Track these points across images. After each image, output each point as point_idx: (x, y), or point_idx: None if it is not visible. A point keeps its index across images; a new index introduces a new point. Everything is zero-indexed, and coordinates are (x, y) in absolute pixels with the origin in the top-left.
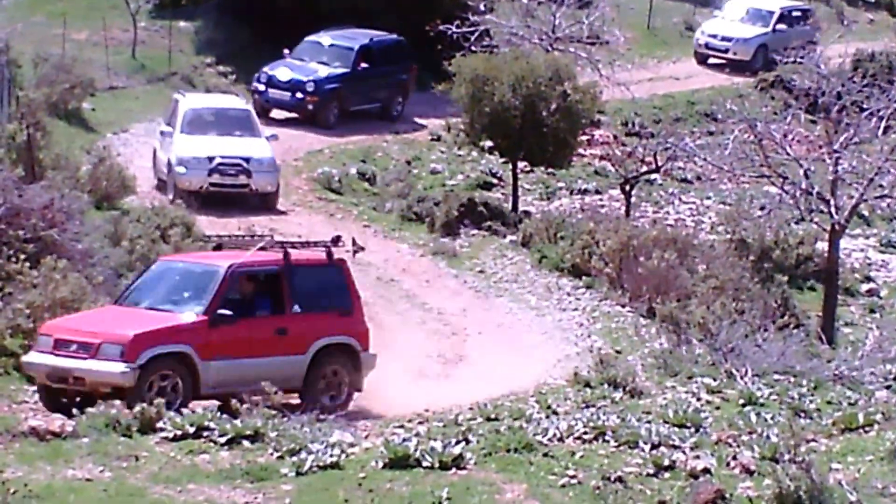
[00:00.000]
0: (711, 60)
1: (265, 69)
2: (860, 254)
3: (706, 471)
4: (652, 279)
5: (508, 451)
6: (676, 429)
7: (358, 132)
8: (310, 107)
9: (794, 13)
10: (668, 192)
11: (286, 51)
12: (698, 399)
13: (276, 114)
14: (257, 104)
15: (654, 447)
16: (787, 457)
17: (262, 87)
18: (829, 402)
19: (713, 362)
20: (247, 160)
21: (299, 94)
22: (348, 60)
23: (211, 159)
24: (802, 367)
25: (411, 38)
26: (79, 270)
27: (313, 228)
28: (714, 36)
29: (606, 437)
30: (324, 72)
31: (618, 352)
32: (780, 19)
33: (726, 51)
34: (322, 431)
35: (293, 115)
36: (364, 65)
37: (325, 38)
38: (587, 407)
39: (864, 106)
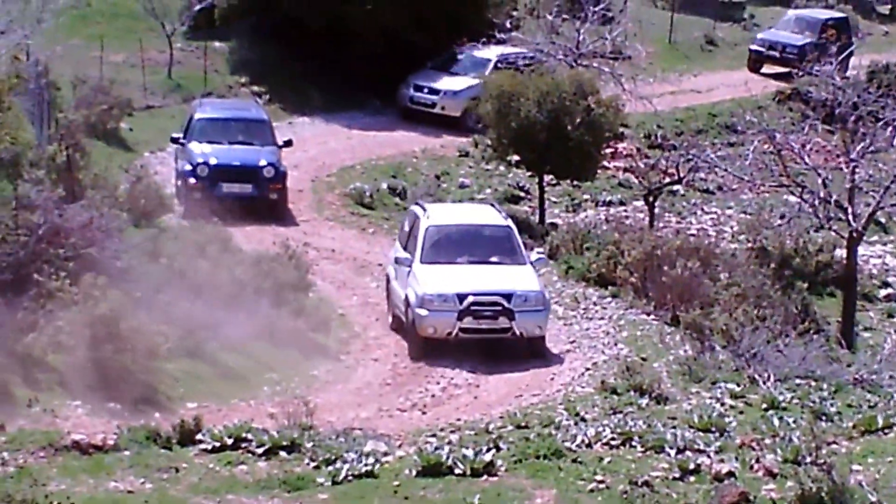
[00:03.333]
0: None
1: (198, 156)
2: (878, 260)
3: (730, 474)
4: (676, 288)
5: (538, 457)
6: (701, 433)
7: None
8: (273, 196)
9: (520, 61)
10: (690, 202)
11: (176, 135)
12: (722, 404)
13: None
14: (194, 205)
15: (679, 452)
16: (808, 459)
17: (202, 182)
18: (849, 405)
19: (736, 368)
20: (507, 297)
21: (259, 183)
22: (266, 134)
23: (462, 298)
24: (823, 371)
25: (439, 55)
26: (118, 287)
27: (346, 243)
28: (420, 88)
29: (633, 443)
30: (265, 151)
31: (643, 359)
32: (497, 68)
33: (433, 105)
34: (357, 441)
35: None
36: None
37: (220, 103)
38: (614, 413)
39: (880, 116)
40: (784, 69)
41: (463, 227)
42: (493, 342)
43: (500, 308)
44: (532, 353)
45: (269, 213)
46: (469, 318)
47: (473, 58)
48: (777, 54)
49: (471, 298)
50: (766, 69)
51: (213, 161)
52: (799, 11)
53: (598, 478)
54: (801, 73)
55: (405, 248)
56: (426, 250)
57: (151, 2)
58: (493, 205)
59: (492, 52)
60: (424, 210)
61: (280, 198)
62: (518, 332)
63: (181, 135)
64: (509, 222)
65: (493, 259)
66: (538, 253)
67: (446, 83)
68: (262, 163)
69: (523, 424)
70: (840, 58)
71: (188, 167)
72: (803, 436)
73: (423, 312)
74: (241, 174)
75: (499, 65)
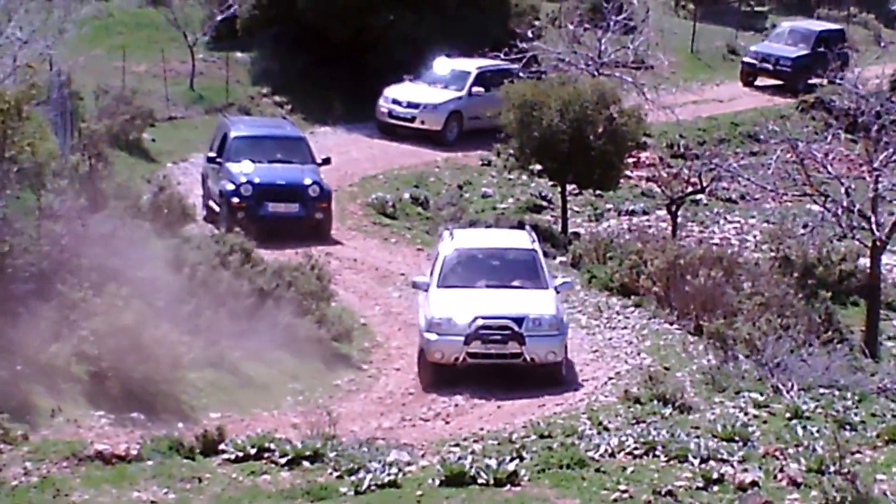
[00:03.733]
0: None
1: (240, 175)
2: None
3: (754, 483)
4: (699, 297)
5: (561, 467)
6: (725, 443)
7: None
8: (318, 215)
9: (494, 74)
10: (713, 211)
11: (212, 154)
12: (746, 413)
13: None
14: (237, 225)
15: (703, 461)
16: (832, 469)
17: (246, 202)
18: (873, 415)
19: (760, 377)
20: (519, 321)
21: (305, 203)
22: (305, 152)
23: (470, 321)
24: (847, 380)
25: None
26: (141, 297)
27: (368, 252)
28: (398, 102)
29: (656, 452)
30: (307, 169)
31: (666, 368)
32: (478, 81)
33: (412, 119)
34: (379, 451)
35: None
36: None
37: (252, 120)
38: (637, 423)
39: None
40: (777, 82)
41: (484, 250)
42: (505, 368)
43: (509, 332)
44: (546, 379)
45: (314, 233)
46: (477, 343)
47: (454, 70)
48: (770, 67)
49: (479, 322)
50: (759, 82)
51: (256, 180)
52: (793, 23)
53: (622, 487)
54: (823, 84)
55: (431, 273)
56: (444, 274)
57: (173, 12)
58: (525, 229)
59: (472, 65)
60: (451, 235)
61: (325, 217)
62: (529, 358)
63: (215, 154)
64: (535, 246)
65: (514, 283)
66: (564, 277)
67: (426, 96)
68: (307, 181)
69: (546, 434)
70: (838, 70)
71: (230, 186)
72: (827, 445)
73: (431, 337)
74: (286, 193)
75: (479, 77)
